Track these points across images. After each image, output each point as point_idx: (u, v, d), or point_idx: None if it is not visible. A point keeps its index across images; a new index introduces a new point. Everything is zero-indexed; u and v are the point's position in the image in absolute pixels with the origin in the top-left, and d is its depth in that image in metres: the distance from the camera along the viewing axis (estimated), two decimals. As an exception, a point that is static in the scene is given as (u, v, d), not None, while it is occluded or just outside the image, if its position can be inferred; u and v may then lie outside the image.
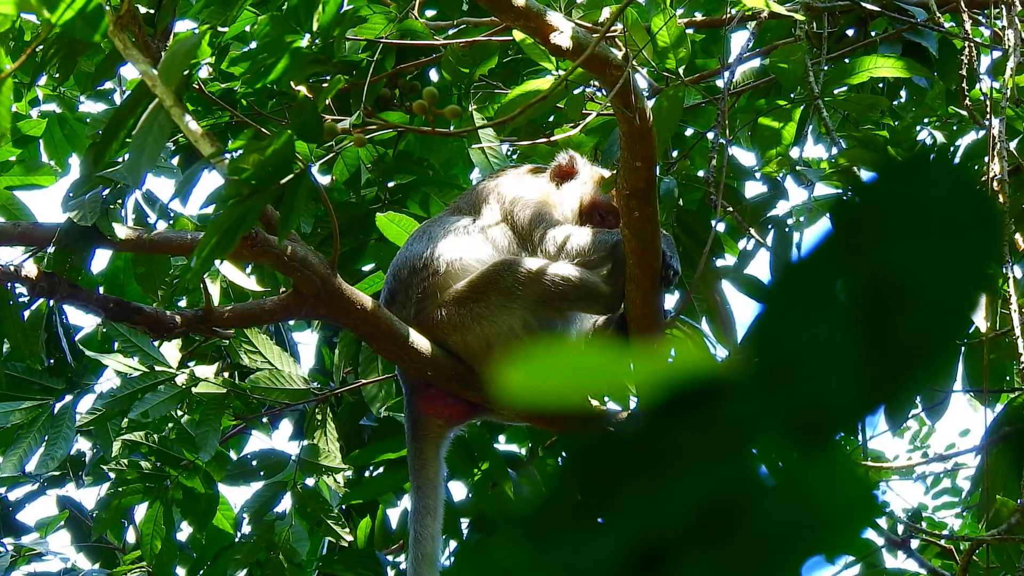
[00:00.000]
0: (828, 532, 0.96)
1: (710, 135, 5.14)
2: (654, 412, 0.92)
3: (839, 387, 0.94)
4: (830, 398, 0.94)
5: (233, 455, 6.00)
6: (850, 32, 5.66)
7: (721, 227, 5.77)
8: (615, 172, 4.14)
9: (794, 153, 5.42)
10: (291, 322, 6.09)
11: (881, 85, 5.59)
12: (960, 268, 0.94)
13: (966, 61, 4.84)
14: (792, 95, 5.06)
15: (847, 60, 5.23)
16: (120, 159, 4.76)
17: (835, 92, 5.06)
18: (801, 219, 5.35)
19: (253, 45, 6.26)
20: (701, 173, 5.45)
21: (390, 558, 6.04)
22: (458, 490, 6.18)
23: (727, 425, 0.92)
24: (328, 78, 3.83)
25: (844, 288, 0.94)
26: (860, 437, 4.45)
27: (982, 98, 4.91)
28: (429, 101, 3.35)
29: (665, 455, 0.90)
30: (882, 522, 4.65)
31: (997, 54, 4.98)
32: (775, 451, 0.94)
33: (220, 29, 4.63)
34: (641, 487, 0.89)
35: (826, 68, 5.04)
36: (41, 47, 3.31)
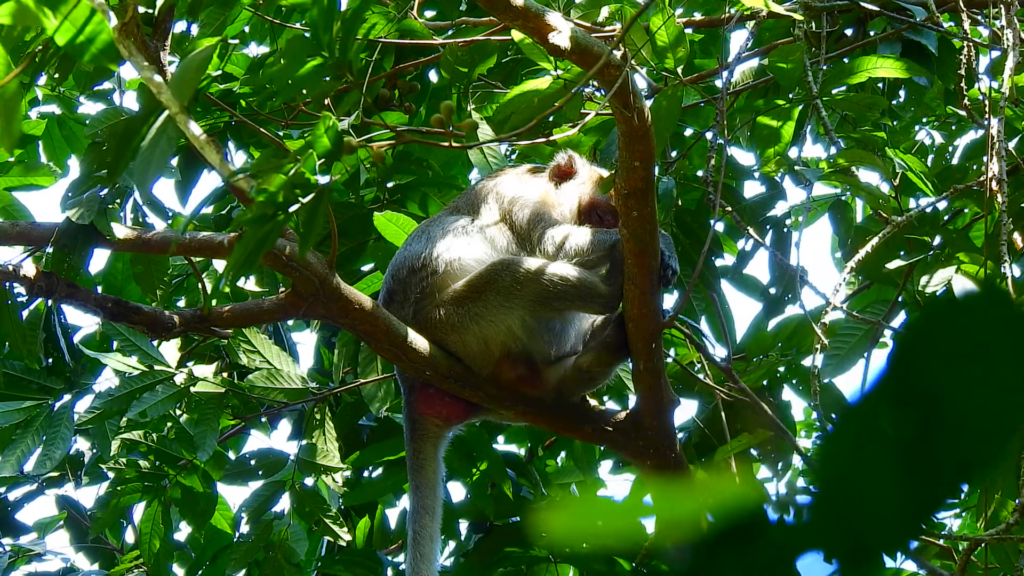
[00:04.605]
0: None
1: (709, 135, 5.14)
2: (704, 548, 0.93)
3: (884, 516, 0.96)
4: (875, 526, 0.95)
5: (232, 455, 6.00)
6: (849, 32, 5.66)
7: (720, 227, 5.77)
8: (613, 172, 4.14)
9: (793, 153, 5.41)
10: (290, 322, 6.09)
11: (880, 85, 5.59)
12: (1008, 398, 0.95)
13: (965, 61, 4.84)
14: (791, 95, 5.06)
15: (846, 60, 5.23)
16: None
17: (834, 92, 5.06)
18: (799, 219, 5.34)
19: (253, 47, 6.27)
20: (700, 173, 5.45)
21: (389, 558, 6.04)
22: (457, 490, 6.18)
23: (773, 558, 0.93)
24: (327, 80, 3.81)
25: (895, 425, 0.95)
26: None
27: (981, 98, 4.90)
28: (446, 115, 3.37)
29: None
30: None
31: (996, 54, 4.98)
32: None
33: (231, 41, 4.61)
34: None
35: (825, 68, 5.03)
36: (40, 47, 3.31)
